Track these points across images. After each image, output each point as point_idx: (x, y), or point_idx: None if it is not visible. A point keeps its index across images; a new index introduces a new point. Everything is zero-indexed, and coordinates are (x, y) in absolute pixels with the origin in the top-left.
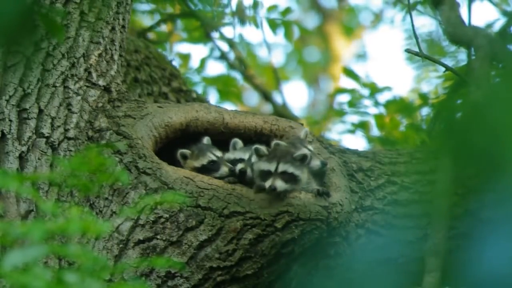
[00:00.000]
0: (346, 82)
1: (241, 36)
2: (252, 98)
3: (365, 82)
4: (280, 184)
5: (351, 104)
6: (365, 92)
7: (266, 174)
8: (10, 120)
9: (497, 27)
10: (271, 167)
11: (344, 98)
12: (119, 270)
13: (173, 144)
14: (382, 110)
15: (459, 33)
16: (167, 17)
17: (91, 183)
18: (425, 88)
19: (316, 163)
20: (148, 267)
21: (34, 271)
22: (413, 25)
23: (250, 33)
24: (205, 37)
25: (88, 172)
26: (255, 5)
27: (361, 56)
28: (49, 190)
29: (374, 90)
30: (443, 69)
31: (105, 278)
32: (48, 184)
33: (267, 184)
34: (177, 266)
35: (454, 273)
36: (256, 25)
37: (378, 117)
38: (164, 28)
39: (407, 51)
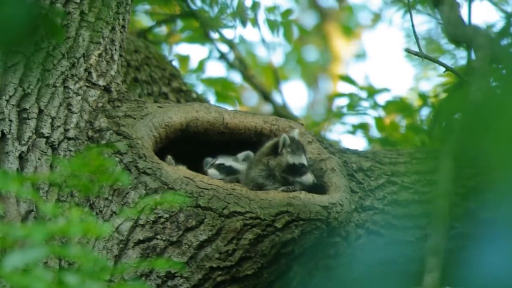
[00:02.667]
0: (344, 86)
1: (241, 36)
2: (252, 98)
3: (363, 86)
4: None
5: (350, 107)
6: (364, 94)
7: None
8: (10, 120)
9: (498, 27)
10: (303, 160)
11: (343, 101)
12: (119, 271)
13: (173, 144)
14: (381, 111)
15: (459, 33)
16: (167, 17)
17: (91, 183)
18: (425, 87)
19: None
20: (148, 267)
21: (34, 272)
22: (413, 25)
23: (250, 33)
24: (205, 38)
25: (89, 173)
26: (255, 6)
27: (360, 56)
28: (49, 190)
29: (372, 92)
30: (443, 68)
31: (105, 278)
32: (48, 184)
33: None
34: (177, 267)
35: (454, 273)
36: (256, 26)
37: (378, 119)
38: (163, 28)
39: (407, 50)
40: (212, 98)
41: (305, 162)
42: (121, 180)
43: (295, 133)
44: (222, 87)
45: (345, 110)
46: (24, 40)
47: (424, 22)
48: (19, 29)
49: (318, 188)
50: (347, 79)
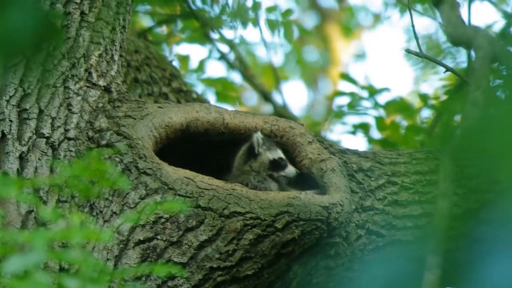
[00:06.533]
0: (344, 85)
1: (241, 37)
2: (252, 98)
3: (363, 85)
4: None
5: (351, 106)
6: (364, 93)
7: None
8: (10, 121)
9: (497, 28)
10: (280, 154)
11: (343, 100)
12: (119, 275)
13: (173, 145)
14: (381, 111)
15: (459, 33)
16: (167, 17)
17: (91, 186)
18: (425, 89)
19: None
20: (147, 271)
21: (34, 277)
22: (413, 25)
23: (250, 34)
24: (205, 38)
25: (90, 176)
26: (255, 6)
27: (360, 57)
28: (50, 190)
29: (373, 92)
30: (444, 69)
31: (105, 282)
32: (48, 184)
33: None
34: (176, 270)
35: (454, 274)
36: (256, 26)
37: (378, 119)
38: (164, 29)
39: (407, 51)
40: (212, 98)
41: (282, 155)
42: (121, 184)
43: (258, 134)
44: (222, 87)
45: (345, 109)
46: (31, 50)
47: (429, 28)
48: (27, 39)
49: (304, 177)
50: (347, 77)
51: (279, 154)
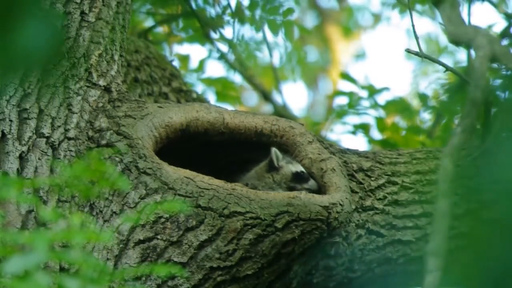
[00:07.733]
0: (344, 85)
1: (242, 37)
2: (252, 98)
3: (363, 84)
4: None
5: (350, 106)
6: (364, 93)
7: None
8: (11, 120)
9: (497, 28)
10: (301, 167)
11: (343, 100)
12: (119, 275)
13: (173, 144)
14: (381, 111)
15: (460, 32)
16: (168, 17)
17: (92, 185)
18: (425, 89)
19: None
20: (147, 272)
21: (34, 277)
22: (413, 25)
23: (250, 34)
24: (205, 38)
25: (90, 176)
26: (255, 6)
27: (360, 56)
28: (50, 190)
29: (372, 91)
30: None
31: (105, 283)
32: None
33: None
34: (176, 271)
35: (454, 274)
36: (256, 26)
37: (379, 120)
38: (163, 29)
39: (407, 51)
40: (212, 98)
41: (303, 169)
42: (121, 185)
43: (274, 150)
44: (222, 87)
45: (346, 108)
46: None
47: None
48: (44, 55)
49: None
50: (347, 77)
51: (300, 167)
